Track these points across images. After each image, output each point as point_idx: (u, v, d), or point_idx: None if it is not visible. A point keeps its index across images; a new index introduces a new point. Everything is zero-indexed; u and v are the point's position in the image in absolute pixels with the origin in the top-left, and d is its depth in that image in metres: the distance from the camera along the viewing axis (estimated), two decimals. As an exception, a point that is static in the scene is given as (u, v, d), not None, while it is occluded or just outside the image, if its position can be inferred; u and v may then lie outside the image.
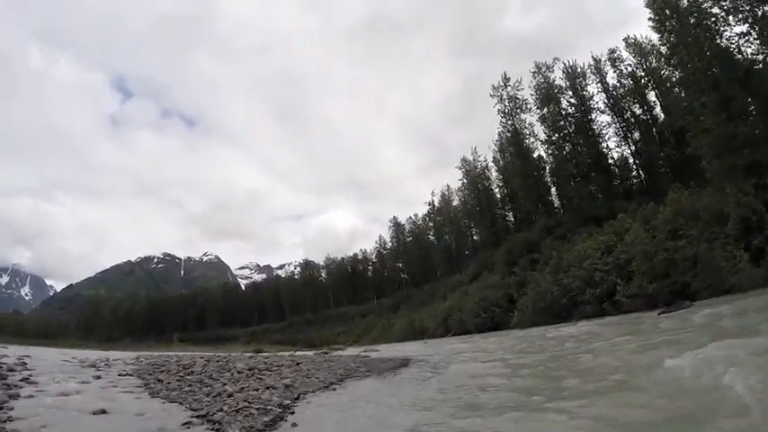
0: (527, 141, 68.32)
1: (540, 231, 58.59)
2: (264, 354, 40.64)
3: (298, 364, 22.40)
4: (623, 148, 60.54)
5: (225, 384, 13.02)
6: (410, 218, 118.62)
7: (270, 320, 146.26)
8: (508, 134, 70.03)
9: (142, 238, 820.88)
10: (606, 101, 61.51)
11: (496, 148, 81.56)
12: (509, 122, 69.62)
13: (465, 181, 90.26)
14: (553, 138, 63.72)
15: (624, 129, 59.75)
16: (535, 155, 69.01)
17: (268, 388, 12.48)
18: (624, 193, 56.88)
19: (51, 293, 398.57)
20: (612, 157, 61.36)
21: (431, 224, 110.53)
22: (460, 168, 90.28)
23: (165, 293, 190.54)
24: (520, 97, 69.98)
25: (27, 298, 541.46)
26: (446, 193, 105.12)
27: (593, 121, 62.18)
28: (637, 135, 59.16)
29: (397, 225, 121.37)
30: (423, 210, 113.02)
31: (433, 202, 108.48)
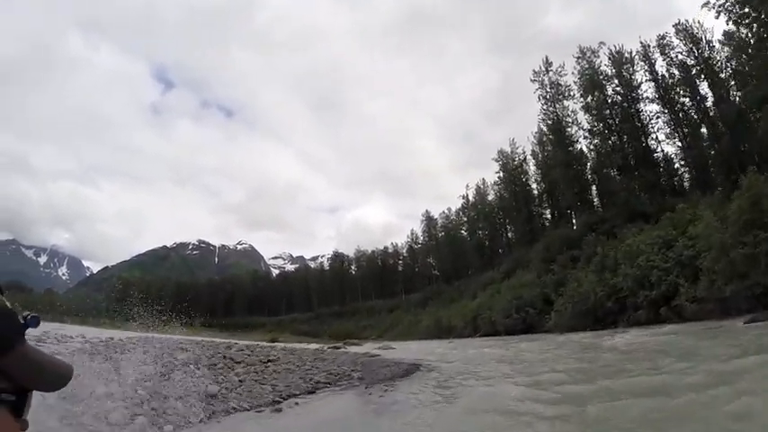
0: (569, 130, 62.80)
1: (581, 227, 53.10)
2: (267, 344, 35.86)
3: (268, 361, 17.43)
4: (673, 140, 54.68)
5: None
6: (443, 212, 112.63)
7: (297, 310, 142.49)
8: (549, 122, 64.40)
9: (178, 224, 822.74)
10: (655, 90, 55.60)
11: (536, 141, 76.00)
12: (550, 109, 64.17)
13: (502, 174, 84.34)
14: (598, 127, 58.40)
15: (674, 120, 53.78)
16: (577, 148, 63.25)
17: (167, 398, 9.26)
18: (672, 189, 51.89)
19: (88, 274, 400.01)
20: (662, 150, 55.78)
21: (464, 219, 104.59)
22: (497, 161, 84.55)
23: (198, 279, 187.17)
24: (562, 83, 64.35)
25: (64, 278, 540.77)
26: (481, 187, 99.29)
27: (641, 111, 56.76)
28: (687, 129, 53.03)
29: (429, 219, 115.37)
30: (456, 204, 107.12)
31: (467, 196, 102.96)
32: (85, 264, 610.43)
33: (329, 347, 37.62)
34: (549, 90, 64.42)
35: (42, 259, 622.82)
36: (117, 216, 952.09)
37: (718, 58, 49.14)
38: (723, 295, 23.72)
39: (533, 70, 65.92)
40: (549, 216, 77.25)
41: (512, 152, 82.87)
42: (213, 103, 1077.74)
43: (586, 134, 60.96)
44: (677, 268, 28.72)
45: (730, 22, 36.63)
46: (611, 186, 57.06)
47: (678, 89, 53.47)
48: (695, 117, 52.19)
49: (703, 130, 51.46)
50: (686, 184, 52.66)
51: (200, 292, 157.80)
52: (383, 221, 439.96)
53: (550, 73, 64.79)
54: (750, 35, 35.60)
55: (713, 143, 47.80)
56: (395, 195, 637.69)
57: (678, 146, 53.88)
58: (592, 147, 61.67)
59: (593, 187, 63.89)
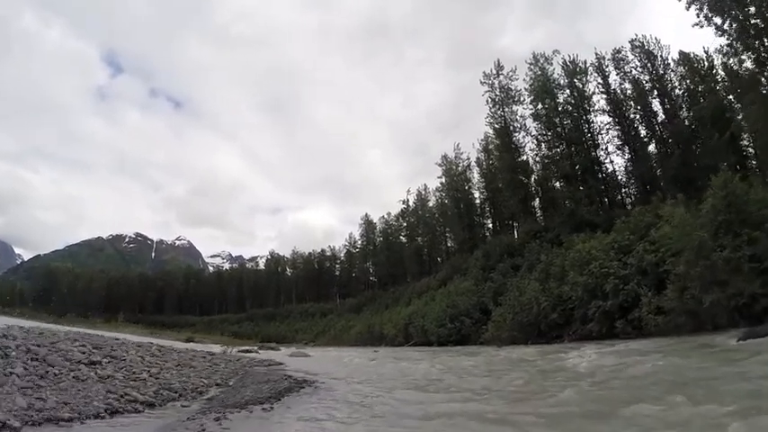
0: (516, 135, 59.11)
1: (523, 235, 49.26)
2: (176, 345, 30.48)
3: (92, 363, 12.34)
4: (623, 154, 51.59)
5: None
6: (383, 217, 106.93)
7: (230, 311, 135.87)
8: (497, 125, 60.37)
9: (116, 215, 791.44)
10: (607, 103, 52.42)
11: (481, 148, 72.59)
12: (498, 113, 60.01)
13: (444, 180, 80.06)
14: (546, 135, 55.12)
15: (624, 134, 50.75)
16: (523, 157, 59.63)
17: None
18: (621, 202, 49.54)
19: (18, 262, 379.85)
20: (611, 161, 52.51)
21: (404, 224, 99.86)
22: (441, 165, 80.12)
23: (131, 274, 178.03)
24: (513, 88, 60.48)
25: None
26: (423, 192, 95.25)
27: (592, 122, 53.34)
28: (636, 143, 50.16)
29: (368, 223, 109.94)
30: (397, 209, 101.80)
31: (407, 200, 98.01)
32: (17, 251, 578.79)
33: (239, 351, 32.85)
34: (498, 93, 60.51)
35: None
36: (53, 202, 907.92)
37: (672, 77, 47.36)
38: (698, 306, 19.54)
39: (483, 72, 61.98)
40: (490, 226, 73.79)
41: (456, 158, 78.76)
42: (162, 92, 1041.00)
43: (533, 142, 57.66)
44: (637, 276, 24.66)
45: (701, 15, 33.10)
46: (557, 195, 54.56)
47: (630, 103, 50.82)
48: (645, 132, 49.83)
49: (651, 147, 49.36)
50: (631, 198, 49.78)
51: (132, 287, 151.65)
52: (325, 225, 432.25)
53: (501, 77, 60.92)
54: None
55: (662, 160, 45.63)
56: (340, 201, 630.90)
57: (627, 158, 50.95)
58: (537, 158, 58.36)
59: (537, 200, 60.49)
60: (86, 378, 10.47)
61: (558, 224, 46.46)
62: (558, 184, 55.17)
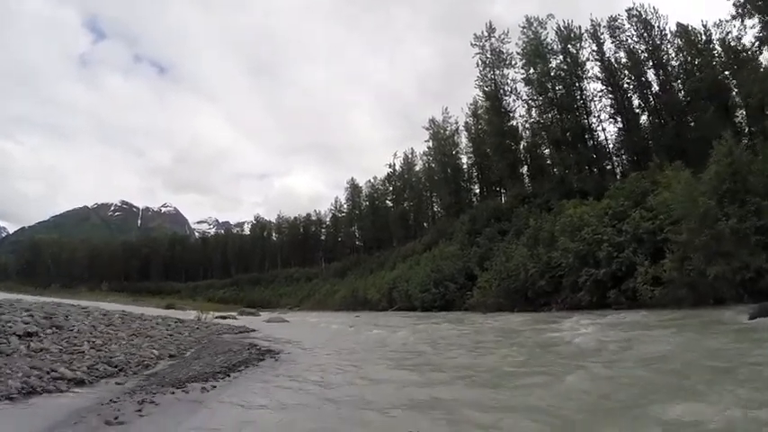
0: (507, 99, 57.06)
1: (511, 200, 47.54)
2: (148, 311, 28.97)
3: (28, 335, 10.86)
4: (615, 122, 49.65)
5: None
6: (369, 181, 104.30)
7: (216, 276, 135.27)
8: (486, 88, 58.27)
9: (101, 184, 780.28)
10: (601, 71, 50.23)
11: (470, 113, 70.55)
12: (489, 75, 57.92)
13: (432, 143, 78.23)
14: (537, 100, 53.10)
15: (617, 102, 48.85)
16: (513, 122, 57.69)
17: None
18: (611, 171, 48.00)
19: (3, 235, 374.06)
20: (603, 128, 50.67)
21: (390, 188, 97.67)
22: (428, 129, 78.22)
23: (115, 242, 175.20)
24: (504, 51, 58.05)
25: None
26: (410, 156, 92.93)
27: (584, 89, 51.33)
28: (630, 113, 48.51)
29: (354, 187, 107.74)
30: (383, 173, 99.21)
31: (394, 164, 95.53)
32: (1, 224, 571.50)
33: (215, 317, 31.05)
34: (489, 56, 58.26)
35: None
36: (36, 173, 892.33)
37: (669, 48, 45.94)
38: (700, 278, 18.14)
39: (474, 34, 59.47)
40: (477, 191, 72.02)
41: (444, 122, 76.81)
42: (145, 57, 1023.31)
43: (524, 107, 55.88)
44: (632, 244, 23.16)
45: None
46: (546, 162, 53.47)
47: (624, 72, 48.91)
48: (639, 102, 48.34)
49: (644, 117, 47.99)
50: (622, 168, 48.12)
51: (116, 255, 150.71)
52: (312, 190, 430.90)
53: (492, 39, 58.53)
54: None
55: (655, 130, 44.51)
56: (326, 165, 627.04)
57: (619, 128, 49.08)
58: (527, 125, 56.77)
59: (525, 167, 58.86)
60: (12, 352, 8.92)
61: (548, 190, 44.94)
62: (547, 150, 53.75)
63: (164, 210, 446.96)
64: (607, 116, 49.63)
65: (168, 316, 25.51)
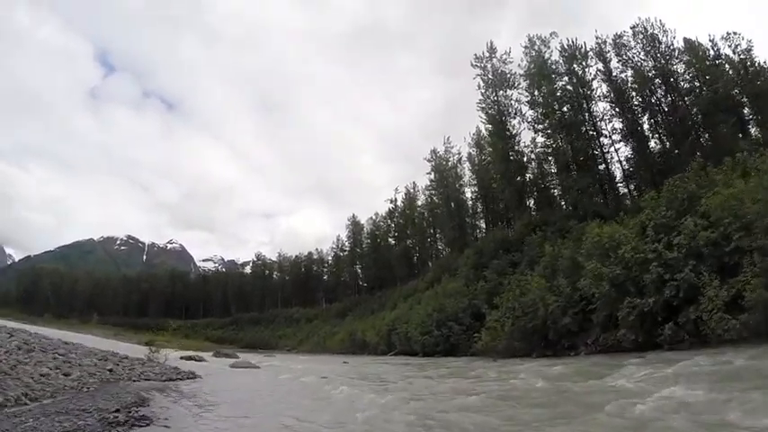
0: (512, 122, 52.11)
1: (522, 228, 41.92)
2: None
3: None
4: (627, 143, 44.98)
5: None
6: (370, 218, 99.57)
7: (216, 314, 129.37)
8: (490, 111, 53.08)
9: (107, 217, 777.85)
10: (609, 90, 45.99)
11: (472, 143, 65.95)
12: (491, 97, 52.81)
13: (434, 176, 72.98)
14: (543, 123, 47.97)
15: (627, 122, 44.48)
16: (519, 143, 52.41)
17: None
18: (624, 195, 43.99)
19: (9, 262, 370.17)
20: (616, 149, 45.37)
21: (392, 225, 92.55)
22: (429, 161, 73.01)
23: (116, 276, 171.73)
24: (507, 71, 53.17)
25: None
26: (411, 191, 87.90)
27: (593, 110, 46.59)
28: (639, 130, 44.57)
29: (355, 224, 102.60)
30: (384, 209, 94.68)
31: (395, 200, 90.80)
32: (7, 251, 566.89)
33: (182, 357, 28.49)
34: (491, 77, 53.41)
35: None
36: (44, 202, 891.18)
37: (677, 63, 42.49)
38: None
39: (475, 55, 54.82)
40: (483, 226, 66.46)
41: (446, 152, 71.68)
42: (155, 93, 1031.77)
43: (529, 128, 50.55)
44: (690, 260, 17.24)
45: None
46: (556, 187, 49.42)
47: (632, 92, 45.07)
48: (649, 121, 44.50)
49: (655, 137, 44.20)
50: (637, 191, 42.30)
51: (116, 289, 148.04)
52: (317, 230, 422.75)
53: (494, 60, 53.85)
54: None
55: (670, 149, 41.00)
56: (331, 205, 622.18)
57: (632, 147, 44.46)
58: (533, 155, 52.61)
59: (532, 200, 54.02)
60: None
61: (560, 218, 39.61)
62: (555, 181, 49.36)
63: (169, 246, 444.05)
64: (618, 137, 44.99)
65: (116, 352, 20.20)
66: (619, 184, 45.13)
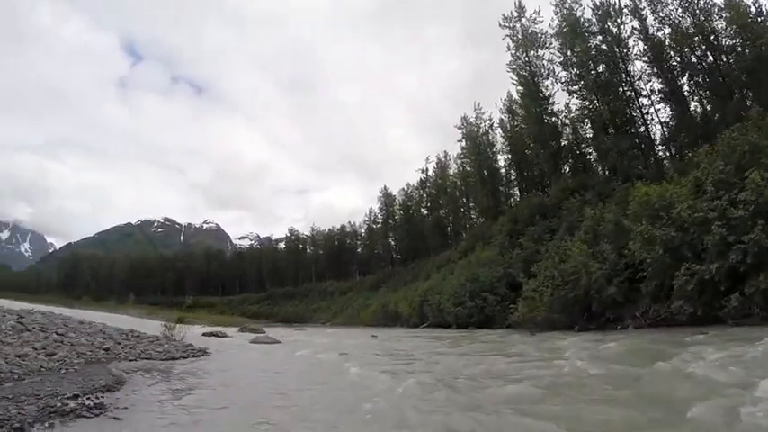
0: (545, 82, 49.53)
1: (559, 193, 39.63)
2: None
3: None
4: (666, 104, 42.02)
5: None
6: (402, 189, 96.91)
7: (251, 290, 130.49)
8: (521, 72, 50.56)
9: (144, 201, 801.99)
10: (645, 49, 42.58)
11: (504, 108, 62.46)
12: (522, 58, 50.28)
13: (465, 144, 70.27)
14: (578, 84, 45.37)
15: (666, 82, 41.31)
16: (552, 105, 49.93)
17: None
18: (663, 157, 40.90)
19: (51, 251, 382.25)
20: (656, 110, 42.27)
21: (424, 195, 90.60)
22: (460, 128, 70.14)
23: (151, 257, 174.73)
24: (537, 30, 50.40)
25: (27, 254, 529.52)
26: (443, 160, 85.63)
27: (629, 69, 43.45)
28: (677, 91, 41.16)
29: (387, 196, 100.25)
30: (416, 179, 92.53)
31: (426, 170, 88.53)
32: (49, 240, 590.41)
33: (205, 333, 26.89)
34: (520, 37, 50.70)
35: (4, 234, 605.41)
36: (81, 191, 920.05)
37: (717, 20, 38.56)
38: None
39: (503, 15, 52.05)
40: (517, 194, 63.95)
41: (477, 118, 68.78)
42: (183, 79, 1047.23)
43: (563, 89, 47.68)
44: (759, 220, 14.67)
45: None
46: (589, 157, 47.37)
47: (671, 51, 41.53)
48: (690, 81, 40.72)
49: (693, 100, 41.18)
50: (678, 153, 39.92)
51: (152, 269, 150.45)
52: (351, 205, 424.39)
53: (523, 19, 51.07)
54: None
55: (712, 111, 38.14)
56: (364, 179, 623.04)
57: (670, 111, 41.72)
58: (567, 120, 49.63)
59: (567, 166, 51.04)
60: None
61: (600, 182, 37.73)
62: (592, 142, 46.58)
63: (205, 226, 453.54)
64: (657, 98, 42.07)
65: (134, 330, 18.97)
66: (659, 148, 42.13)
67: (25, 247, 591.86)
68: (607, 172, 41.46)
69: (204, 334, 26.00)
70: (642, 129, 42.06)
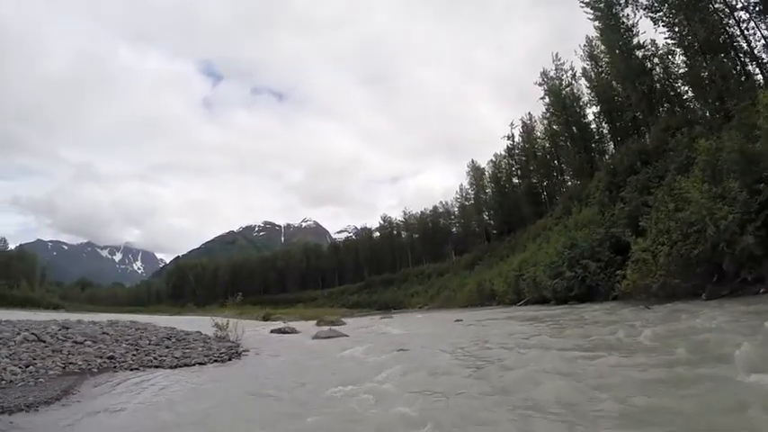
0: (625, 12, 43.61)
1: (660, 134, 33.83)
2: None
3: None
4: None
5: None
6: (490, 160, 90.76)
7: (350, 281, 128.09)
8: (596, 4, 45.00)
9: (244, 209, 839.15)
10: None
11: (585, 55, 56.70)
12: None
13: (548, 100, 64.54)
14: (663, 8, 39.18)
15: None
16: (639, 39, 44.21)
17: None
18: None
19: (161, 266, 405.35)
20: (756, 25, 35.22)
21: (513, 163, 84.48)
22: (540, 84, 64.90)
23: (252, 258, 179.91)
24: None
25: (139, 271, 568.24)
26: (528, 123, 79.05)
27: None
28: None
29: (475, 170, 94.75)
30: (502, 147, 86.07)
31: (512, 135, 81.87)
32: (159, 256, 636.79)
33: (274, 330, 25.03)
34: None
35: (117, 257, 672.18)
36: (186, 208, 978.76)
37: None
38: None
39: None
40: (611, 149, 57.14)
41: (557, 70, 63.28)
42: (263, 89, 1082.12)
43: (647, 16, 40.96)
44: None
45: None
46: (684, 96, 41.44)
47: None
48: None
49: None
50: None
51: (253, 270, 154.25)
52: (444, 185, 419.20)
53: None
54: None
55: None
56: (455, 159, 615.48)
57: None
58: (656, 59, 43.98)
59: (662, 105, 45.09)
60: None
61: (703, 116, 33.14)
62: (686, 76, 39.80)
63: (304, 224, 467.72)
64: (756, 9, 34.82)
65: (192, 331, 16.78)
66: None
67: (137, 265, 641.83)
68: (712, 101, 35.27)
69: (272, 331, 24.33)
70: (745, 46, 35.40)
